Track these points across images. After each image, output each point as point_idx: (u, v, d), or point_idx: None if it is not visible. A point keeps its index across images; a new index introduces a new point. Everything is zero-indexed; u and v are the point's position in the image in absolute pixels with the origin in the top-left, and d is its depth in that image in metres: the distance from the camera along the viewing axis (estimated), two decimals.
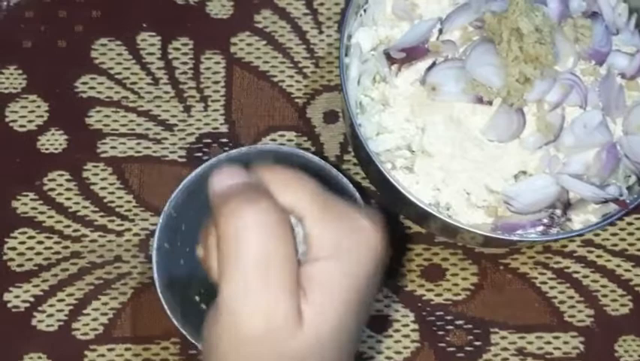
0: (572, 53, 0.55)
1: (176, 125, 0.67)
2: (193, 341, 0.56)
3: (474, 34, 0.56)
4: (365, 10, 0.60)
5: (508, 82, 0.53)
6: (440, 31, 0.57)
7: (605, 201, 0.55)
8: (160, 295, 0.56)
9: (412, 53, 0.57)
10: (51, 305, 0.63)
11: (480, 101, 0.55)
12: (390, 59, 0.57)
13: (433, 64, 0.56)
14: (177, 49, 0.68)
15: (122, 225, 0.65)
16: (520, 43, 0.52)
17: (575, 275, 0.64)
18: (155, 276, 0.56)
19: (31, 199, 0.65)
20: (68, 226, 0.65)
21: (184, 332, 0.55)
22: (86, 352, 0.63)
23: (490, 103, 0.55)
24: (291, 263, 0.34)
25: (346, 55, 0.59)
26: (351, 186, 0.57)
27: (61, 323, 0.63)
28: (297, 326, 0.33)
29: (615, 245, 0.65)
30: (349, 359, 0.37)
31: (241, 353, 0.34)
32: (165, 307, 0.56)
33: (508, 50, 0.53)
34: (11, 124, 0.66)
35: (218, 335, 0.34)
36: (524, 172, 0.56)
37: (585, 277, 0.64)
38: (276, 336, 0.33)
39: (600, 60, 0.56)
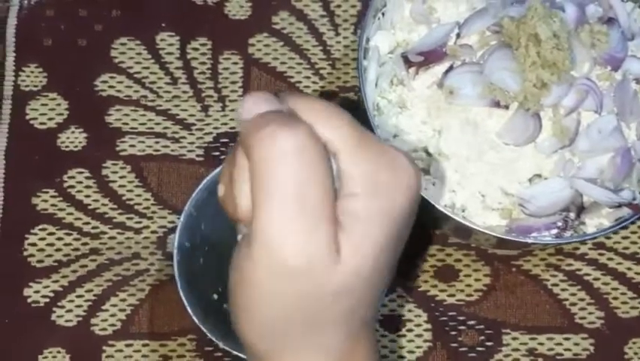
0: (588, 58, 0.56)
1: (194, 124, 0.68)
2: (213, 338, 0.57)
3: (492, 38, 0.57)
4: (383, 14, 0.61)
5: (525, 86, 0.54)
6: (458, 36, 0.58)
7: (619, 206, 0.56)
8: (181, 292, 0.57)
9: (429, 57, 0.58)
10: (70, 301, 0.64)
11: (497, 105, 0.56)
12: (407, 62, 0.58)
13: (451, 67, 0.57)
14: (196, 49, 0.69)
15: (140, 222, 0.66)
16: (538, 48, 0.53)
17: (587, 278, 0.65)
18: (176, 274, 0.57)
19: (51, 196, 0.66)
20: (87, 223, 0.66)
21: (204, 329, 0.56)
22: (104, 347, 0.64)
23: (506, 107, 0.56)
24: (330, 193, 0.32)
25: (364, 57, 0.60)
26: None
27: (80, 319, 0.64)
28: (335, 260, 0.32)
29: (626, 248, 0.66)
30: (381, 296, 0.36)
31: (277, 285, 0.32)
32: (186, 304, 0.57)
33: (526, 55, 0.54)
34: (32, 122, 0.67)
35: (252, 266, 0.32)
36: (539, 175, 0.57)
37: (596, 279, 0.65)
38: (314, 268, 0.32)
39: (616, 66, 0.57)
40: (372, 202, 0.33)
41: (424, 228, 0.66)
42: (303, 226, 0.31)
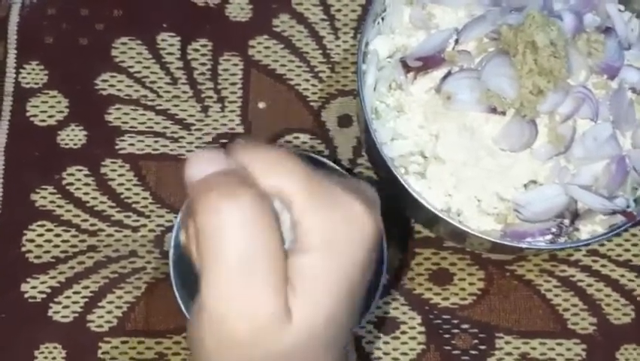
0: (584, 66, 0.57)
1: (193, 124, 0.68)
2: None
3: (489, 45, 0.57)
4: (383, 19, 0.61)
5: (521, 93, 0.55)
6: (456, 42, 0.58)
7: (613, 213, 0.56)
8: (175, 291, 0.57)
9: (428, 62, 0.58)
10: (67, 297, 0.65)
11: (493, 110, 0.56)
12: (406, 66, 0.59)
13: (449, 73, 0.58)
14: (196, 50, 0.70)
15: (137, 221, 0.66)
16: (535, 56, 0.54)
17: (580, 284, 0.66)
18: (172, 273, 0.58)
19: (50, 193, 0.66)
20: (85, 220, 0.66)
21: None
22: (99, 343, 0.64)
23: (503, 113, 0.56)
24: (275, 260, 0.31)
25: (363, 61, 0.60)
26: None
27: (77, 315, 0.64)
28: (284, 324, 0.31)
29: (620, 255, 0.66)
30: (341, 351, 0.35)
31: (225, 353, 0.32)
32: (180, 303, 0.57)
33: (523, 62, 0.54)
34: (32, 118, 0.68)
35: (202, 336, 0.32)
36: (534, 181, 0.57)
37: (589, 285, 0.66)
38: (262, 337, 0.31)
39: (612, 74, 0.58)
40: (326, 258, 0.32)
41: (419, 231, 0.66)
42: (248, 295, 0.31)
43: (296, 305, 0.31)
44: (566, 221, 0.57)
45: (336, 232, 0.32)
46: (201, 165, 0.32)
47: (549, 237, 0.57)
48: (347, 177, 0.35)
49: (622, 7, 0.61)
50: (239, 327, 0.31)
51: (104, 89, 0.69)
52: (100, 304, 0.65)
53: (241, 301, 0.31)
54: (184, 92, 0.69)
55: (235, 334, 0.31)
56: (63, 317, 0.64)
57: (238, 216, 0.30)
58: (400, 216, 0.66)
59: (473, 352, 0.64)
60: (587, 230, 0.57)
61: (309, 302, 0.31)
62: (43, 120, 0.68)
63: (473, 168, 0.57)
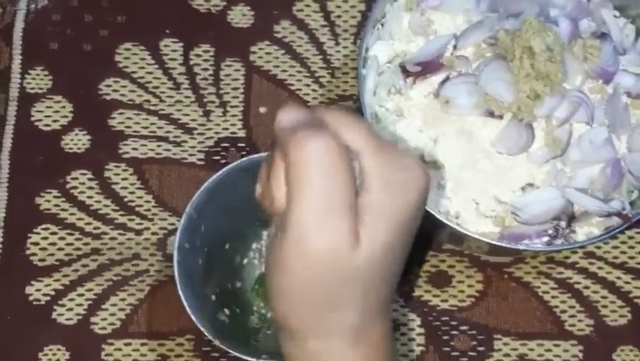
0: (580, 71, 0.58)
1: (195, 129, 0.69)
2: (209, 337, 0.58)
3: (487, 50, 0.58)
4: (382, 25, 0.62)
5: (518, 97, 0.56)
6: (454, 47, 0.59)
7: (609, 215, 0.57)
8: (180, 292, 0.58)
9: (426, 67, 0.59)
10: (71, 300, 0.65)
11: (491, 115, 0.57)
12: (405, 72, 0.60)
13: (447, 78, 0.59)
14: (199, 55, 0.71)
15: (141, 224, 0.67)
16: (532, 60, 0.55)
17: (577, 286, 0.67)
18: (176, 275, 0.58)
19: (54, 196, 0.67)
20: (89, 224, 0.67)
21: (202, 329, 0.57)
22: (103, 345, 0.65)
23: (500, 117, 0.57)
24: (351, 190, 0.37)
25: (363, 67, 0.61)
26: None
27: (80, 317, 0.65)
28: (354, 245, 0.37)
29: (616, 258, 0.67)
30: (395, 278, 0.41)
31: (305, 266, 0.37)
32: (185, 304, 0.58)
33: (520, 67, 0.55)
34: (36, 123, 0.69)
35: (286, 253, 0.37)
36: (531, 184, 0.58)
37: (586, 287, 0.67)
38: (336, 253, 0.37)
39: (607, 79, 0.59)
40: (386, 197, 0.38)
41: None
42: (329, 217, 0.36)
43: (362, 233, 0.37)
44: (563, 223, 0.58)
45: (394, 176, 0.38)
46: (291, 115, 0.38)
47: (546, 239, 0.58)
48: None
49: (617, 14, 0.62)
50: (319, 245, 0.37)
51: (108, 94, 0.70)
52: (103, 306, 0.65)
53: (323, 220, 0.36)
54: (186, 96, 0.70)
55: (315, 250, 0.37)
56: (67, 319, 0.65)
57: (322, 147, 0.36)
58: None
59: (472, 353, 0.65)
60: (583, 232, 0.58)
61: (372, 231, 0.37)
62: (48, 125, 0.69)
63: (471, 172, 0.58)
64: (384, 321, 0.42)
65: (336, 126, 0.38)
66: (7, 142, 0.68)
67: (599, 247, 0.67)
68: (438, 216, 0.56)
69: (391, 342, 0.43)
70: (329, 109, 0.39)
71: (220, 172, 0.60)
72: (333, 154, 0.36)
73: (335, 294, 0.39)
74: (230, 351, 0.58)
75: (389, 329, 0.43)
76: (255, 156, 0.60)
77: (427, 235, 0.67)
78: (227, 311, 0.62)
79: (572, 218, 0.58)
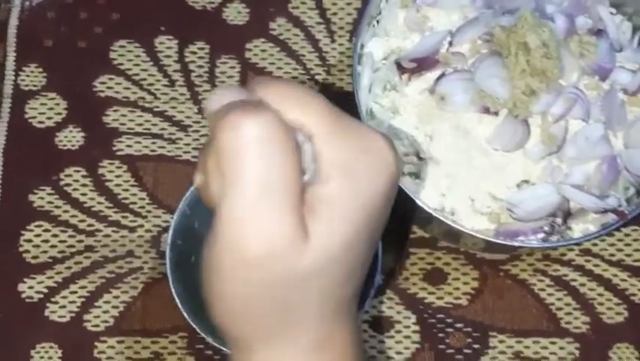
0: (576, 67, 0.57)
1: (190, 126, 0.69)
2: (203, 335, 0.57)
3: (483, 47, 0.58)
4: (378, 21, 0.62)
5: (514, 94, 0.55)
6: (450, 44, 0.59)
7: (605, 212, 0.57)
8: (172, 290, 0.58)
9: (422, 64, 0.59)
10: (64, 297, 0.65)
11: (487, 111, 0.57)
12: (400, 68, 0.59)
13: (443, 74, 0.58)
14: (194, 52, 0.70)
15: (135, 221, 0.67)
16: (528, 57, 0.55)
17: (573, 283, 0.66)
18: (168, 271, 0.58)
19: (48, 193, 0.67)
20: (83, 221, 0.67)
21: (194, 326, 0.57)
22: (96, 343, 0.64)
23: (496, 113, 0.57)
24: (293, 180, 0.31)
25: (359, 63, 0.61)
26: None
27: (73, 315, 0.65)
28: (302, 244, 0.32)
29: (612, 255, 0.67)
30: (359, 279, 0.36)
31: (242, 272, 0.32)
32: (177, 301, 0.58)
33: (516, 63, 0.55)
34: (30, 120, 0.69)
35: (218, 257, 0.32)
36: (527, 181, 0.58)
37: (582, 285, 0.66)
38: (280, 256, 0.32)
39: (604, 76, 0.58)
40: (346, 185, 0.32)
41: (414, 231, 0.67)
42: (266, 213, 0.31)
43: (313, 228, 0.32)
44: (559, 220, 0.58)
45: (356, 161, 0.32)
46: (222, 98, 0.32)
47: (542, 235, 0.58)
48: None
49: (613, 10, 0.62)
50: (255, 246, 0.31)
51: (102, 92, 0.69)
52: (96, 303, 0.65)
53: (258, 219, 0.31)
54: (181, 94, 0.69)
55: (251, 253, 0.31)
56: (60, 316, 0.65)
57: (258, 133, 0.31)
58: (395, 217, 0.67)
59: (467, 351, 0.65)
60: (579, 229, 0.58)
61: (327, 225, 0.32)
62: (42, 122, 0.69)
63: (467, 168, 0.58)
64: (351, 325, 0.36)
65: (283, 104, 0.32)
66: (1, 139, 0.68)
67: (595, 245, 0.67)
68: (433, 213, 0.56)
69: (359, 347, 0.37)
70: (273, 83, 0.33)
71: None
72: (270, 140, 0.31)
73: (284, 299, 0.33)
74: (223, 348, 0.58)
75: (356, 332, 0.37)
76: None
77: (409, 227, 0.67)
78: None
79: (567, 215, 0.58)
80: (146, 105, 0.69)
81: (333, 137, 0.32)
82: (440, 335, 0.65)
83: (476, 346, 0.65)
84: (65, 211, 0.67)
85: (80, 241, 0.66)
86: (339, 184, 0.32)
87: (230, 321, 0.35)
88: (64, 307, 0.65)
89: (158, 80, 0.70)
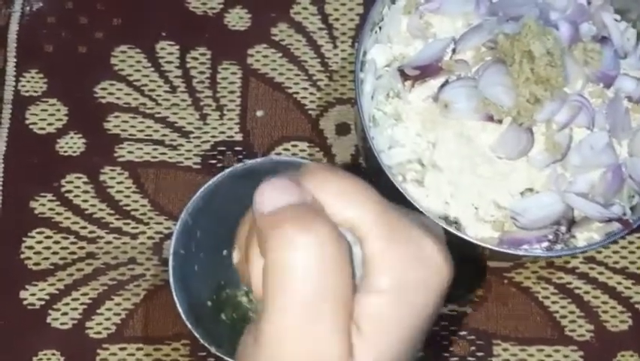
0: (581, 75, 0.57)
1: (192, 132, 0.68)
2: (204, 343, 0.57)
3: (486, 54, 0.58)
4: (380, 28, 0.62)
5: (518, 102, 0.55)
6: (453, 51, 0.59)
7: (609, 220, 0.57)
8: (175, 298, 0.58)
9: (425, 71, 0.59)
10: (66, 304, 0.65)
11: (490, 119, 0.57)
12: (404, 75, 0.59)
13: (446, 82, 0.58)
14: (195, 58, 0.70)
15: (136, 228, 0.67)
16: (532, 65, 0.54)
17: (577, 291, 0.66)
18: (171, 280, 0.58)
19: (49, 200, 0.67)
20: (84, 228, 0.66)
21: (197, 335, 0.57)
22: (98, 350, 0.64)
23: (500, 121, 0.56)
24: (346, 301, 0.30)
25: (361, 70, 0.60)
26: None
27: (75, 322, 0.65)
28: None
29: (616, 263, 0.67)
30: None
31: None
32: (180, 309, 0.57)
33: (520, 71, 0.55)
34: (31, 126, 0.68)
35: None
36: (531, 189, 0.57)
37: (586, 293, 0.66)
38: None
39: (608, 83, 0.58)
40: (398, 302, 0.30)
41: None
42: (313, 335, 0.29)
43: (360, 348, 0.30)
44: (563, 228, 0.57)
45: (410, 274, 0.30)
46: (273, 195, 0.30)
47: (546, 244, 0.57)
48: (411, 210, 0.35)
49: (618, 17, 0.62)
50: None
51: (103, 97, 0.69)
52: (98, 311, 0.65)
53: (306, 340, 0.29)
54: (183, 100, 0.69)
55: None
56: (62, 323, 0.65)
57: (314, 253, 0.29)
58: None
59: (471, 359, 0.65)
60: (583, 237, 0.58)
61: (374, 348, 0.30)
62: (43, 128, 0.68)
63: (470, 176, 0.58)
64: None
65: (334, 200, 0.30)
66: (1, 145, 0.68)
67: (599, 252, 0.67)
68: (436, 221, 0.56)
69: None
70: (323, 175, 0.31)
71: (215, 178, 0.59)
72: (325, 259, 0.29)
73: None
74: (225, 358, 0.58)
75: None
76: (250, 161, 0.60)
77: None
78: (224, 317, 0.62)
79: (572, 223, 0.58)
80: (148, 111, 0.69)
81: (388, 243, 0.30)
82: (444, 342, 0.65)
83: (480, 354, 0.65)
84: (67, 218, 0.66)
85: (82, 248, 0.66)
86: (391, 299, 0.30)
87: None
88: (66, 314, 0.65)
89: (160, 86, 0.69)
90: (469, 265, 0.66)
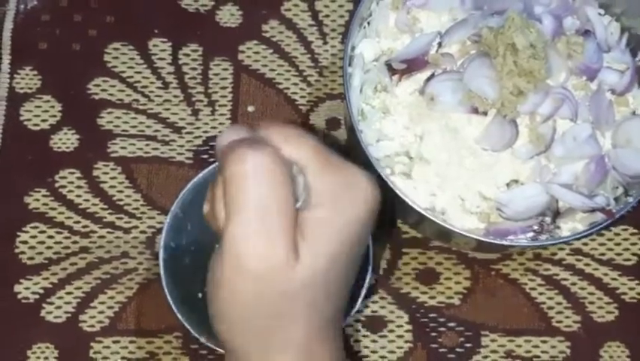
0: (564, 68, 0.58)
1: (184, 128, 0.69)
2: (196, 335, 0.58)
3: (471, 48, 0.59)
4: (369, 23, 0.63)
5: (502, 94, 0.56)
6: (439, 45, 0.60)
7: (593, 211, 0.57)
8: (166, 291, 0.58)
9: (412, 65, 0.59)
10: (59, 298, 0.66)
11: (475, 111, 0.57)
12: (391, 69, 0.60)
13: (432, 75, 0.59)
14: (187, 55, 0.71)
15: (129, 222, 0.67)
16: (515, 57, 0.55)
17: (564, 282, 0.67)
18: (162, 273, 0.59)
19: (43, 195, 0.68)
20: (78, 222, 0.67)
21: (188, 327, 0.58)
22: (91, 343, 0.65)
23: (485, 114, 0.57)
24: (288, 206, 0.37)
25: (350, 65, 0.61)
26: None
27: (69, 315, 0.65)
28: (293, 264, 0.37)
29: (603, 254, 0.67)
30: (341, 298, 0.41)
31: (242, 285, 0.37)
32: (170, 302, 0.58)
33: (504, 63, 0.55)
34: (25, 123, 0.69)
35: (222, 272, 0.37)
36: (516, 181, 0.58)
37: (573, 284, 0.67)
38: (274, 274, 0.37)
39: (591, 76, 0.59)
40: (331, 213, 0.38)
41: (406, 231, 0.68)
42: (264, 235, 0.36)
43: (303, 249, 0.37)
44: (547, 219, 0.58)
45: (341, 193, 0.38)
46: (229, 135, 0.39)
47: (531, 234, 0.58)
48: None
49: (602, 11, 0.62)
50: (255, 262, 0.36)
51: (97, 94, 0.70)
52: (92, 304, 0.66)
53: (258, 238, 0.36)
54: (175, 96, 0.70)
55: (251, 270, 0.37)
56: (55, 317, 0.65)
57: (260, 164, 0.36)
58: (387, 217, 0.67)
59: (459, 350, 0.66)
60: (568, 228, 0.58)
61: (314, 246, 0.37)
62: (37, 124, 0.69)
63: (457, 168, 0.58)
64: (334, 340, 0.41)
65: (279, 142, 0.38)
66: None
67: (585, 244, 0.67)
68: (424, 213, 0.57)
69: (340, 357, 0.42)
70: (273, 125, 0.39)
71: (205, 171, 0.60)
72: (270, 168, 0.36)
73: (276, 311, 0.38)
74: (217, 349, 0.59)
75: (339, 348, 0.42)
76: None
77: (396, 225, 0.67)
78: None
79: (556, 214, 0.58)
80: (140, 107, 0.70)
81: (323, 172, 0.38)
82: (433, 334, 0.66)
83: (468, 345, 0.66)
84: (60, 213, 0.67)
85: (75, 243, 0.67)
86: (325, 211, 0.38)
87: (231, 332, 0.39)
88: (59, 307, 0.66)
89: (152, 83, 0.70)
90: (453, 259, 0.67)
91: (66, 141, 0.69)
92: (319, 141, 0.40)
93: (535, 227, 0.58)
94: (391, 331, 0.66)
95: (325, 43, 0.72)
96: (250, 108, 0.70)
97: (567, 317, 0.66)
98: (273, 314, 0.38)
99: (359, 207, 0.39)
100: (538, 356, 0.65)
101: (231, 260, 0.37)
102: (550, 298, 0.66)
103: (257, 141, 0.38)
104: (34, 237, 0.67)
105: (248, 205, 0.36)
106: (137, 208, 0.68)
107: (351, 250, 0.39)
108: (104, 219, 0.67)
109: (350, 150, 0.68)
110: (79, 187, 0.68)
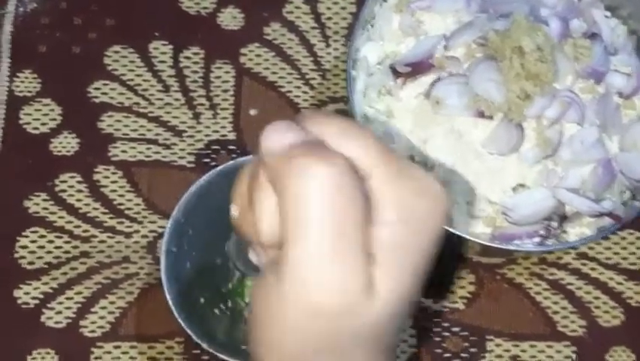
0: (571, 71, 0.57)
1: (185, 131, 0.69)
2: (198, 341, 0.57)
3: (477, 51, 0.58)
4: (372, 26, 0.62)
5: (509, 98, 0.55)
6: (445, 48, 0.59)
7: (600, 215, 0.57)
8: (167, 296, 0.58)
9: (417, 68, 0.59)
10: (60, 303, 0.65)
11: (481, 115, 0.57)
12: (395, 72, 0.59)
13: (438, 79, 0.58)
14: (188, 58, 0.70)
15: (130, 227, 0.67)
16: (522, 60, 0.55)
17: (569, 287, 0.66)
18: (163, 278, 0.58)
19: (43, 200, 0.67)
20: (78, 227, 0.66)
21: (190, 332, 0.57)
22: (92, 349, 0.64)
23: (491, 117, 0.57)
24: (363, 230, 0.30)
25: (353, 68, 0.61)
26: None
27: (69, 321, 0.65)
28: (369, 295, 0.30)
29: (609, 258, 0.67)
30: (405, 326, 0.37)
31: (308, 323, 0.31)
32: (172, 307, 0.57)
33: (510, 67, 0.55)
34: (25, 126, 0.68)
35: (281, 303, 0.31)
36: (522, 185, 0.58)
37: (579, 288, 0.66)
38: (348, 306, 0.30)
39: (598, 79, 0.58)
40: (406, 231, 0.31)
41: None
42: (340, 265, 0.30)
43: (379, 278, 0.31)
44: (554, 223, 0.58)
45: (412, 203, 0.31)
46: (279, 135, 0.31)
47: (537, 239, 0.58)
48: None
49: (608, 14, 0.62)
50: (328, 297, 0.30)
51: (97, 97, 0.69)
52: (92, 309, 0.65)
53: (333, 269, 0.30)
54: (176, 99, 0.69)
55: (322, 305, 0.30)
56: (56, 322, 0.65)
57: (331, 181, 0.29)
58: None
59: (464, 355, 0.65)
60: (574, 232, 0.58)
61: (392, 275, 0.31)
62: (37, 128, 0.68)
63: (462, 172, 0.58)
64: None
65: (336, 140, 0.31)
66: None
67: (591, 248, 0.67)
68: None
69: None
70: (323, 118, 0.32)
71: (206, 176, 0.59)
72: (345, 187, 0.29)
73: (342, 348, 0.32)
74: (219, 354, 0.58)
75: None
76: (241, 159, 0.60)
77: None
78: (217, 313, 0.62)
79: (563, 218, 0.58)
80: (141, 111, 0.69)
81: (392, 177, 0.31)
82: (437, 339, 0.65)
83: (473, 350, 0.65)
84: (61, 217, 0.67)
85: (76, 247, 0.66)
86: (400, 228, 0.31)
87: None
88: (60, 313, 0.65)
89: (153, 86, 0.70)
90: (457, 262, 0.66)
91: (66, 144, 0.68)
92: (376, 135, 0.32)
93: (542, 232, 0.58)
94: None
95: (328, 45, 0.71)
96: (252, 112, 0.69)
97: (573, 322, 0.66)
98: (336, 350, 0.32)
99: (434, 221, 0.32)
100: None
101: (296, 293, 0.30)
102: (556, 303, 0.66)
103: (320, 147, 0.30)
104: (34, 241, 0.66)
105: (318, 226, 0.29)
106: (138, 213, 0.67)
107: (425, 273, 0.32)
108: (105, 224, 0.67)
109: None
110: (79, 191, 0.67)
